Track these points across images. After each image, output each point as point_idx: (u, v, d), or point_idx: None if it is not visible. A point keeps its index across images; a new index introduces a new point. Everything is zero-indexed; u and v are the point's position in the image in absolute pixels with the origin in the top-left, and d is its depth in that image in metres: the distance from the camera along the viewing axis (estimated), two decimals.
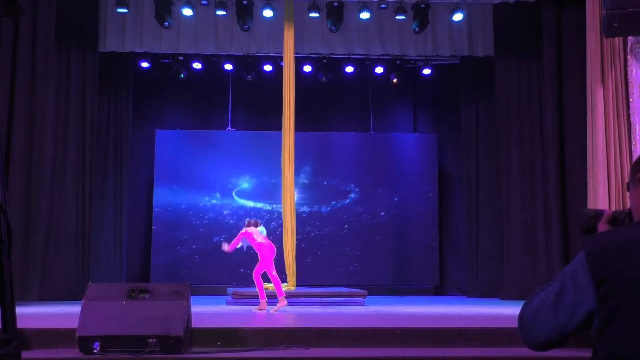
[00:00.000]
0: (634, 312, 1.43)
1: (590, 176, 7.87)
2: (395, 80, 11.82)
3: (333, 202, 11.99)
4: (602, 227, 1.69)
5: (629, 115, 7.66)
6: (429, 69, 11.89)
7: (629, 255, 1.46)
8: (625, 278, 1.44)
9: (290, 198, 9.76)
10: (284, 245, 9.64)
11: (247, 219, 8.32)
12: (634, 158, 6.95)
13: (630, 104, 7.63)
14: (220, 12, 10.29)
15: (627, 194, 1.71)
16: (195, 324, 5.21)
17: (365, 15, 10.37)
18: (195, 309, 5.51)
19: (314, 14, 10.35)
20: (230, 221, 11.72)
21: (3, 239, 1.65)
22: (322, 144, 12.21)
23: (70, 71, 10.09)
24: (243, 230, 8.01)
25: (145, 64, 11.50)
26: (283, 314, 7.38)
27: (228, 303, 8.77)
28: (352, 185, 12.03)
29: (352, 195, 12.03)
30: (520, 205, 10.20)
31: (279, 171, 11.84)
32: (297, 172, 11.90)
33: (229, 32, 10.74)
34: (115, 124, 11.14)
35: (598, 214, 1.72)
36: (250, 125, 12.20)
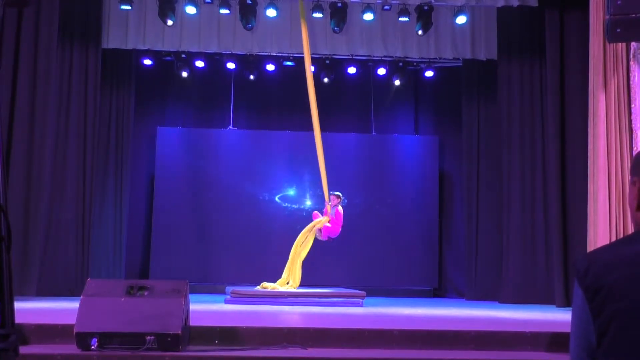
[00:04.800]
0: (625, 323, 1.42)
1: (590, 181, 7.86)
2: (397, 81, 11.83)
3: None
4: None
5: (630, 121, 7.65)
6: (432, 71, 11.89)
7: (622, 267, 1.45)
8: (619, 287, 1.43)
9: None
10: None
11: (337, 194, 9.69)
12: None
13: (632, 110, 7.62)
14: (224, 11, 10.29)
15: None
16: (193, 322, 5.21)
17: (368, 16, 10.37)
18: (194, 307, 5.51)
19: (317, 14, 10.36)
20: (231, 220, 11.72)
21: (3, 236, 1.65)
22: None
23: (72, 67, 10.09)
24: (337, 209, 9.52)
25: (147, 61, 11.51)
26: (281, 313, 7.39)
27: (226, 302, 8.77)
28: (352, 186, 12.02)
29: (352, 196, 12.02)
30: (520, 208, 10.21)
31: (280, 170, 11.89)
32: (297, 173, 11.94)
33: (232, 31, 10.74)
34: (117, 120, 11.15)
35: None
36: (251, 125, 12.21)
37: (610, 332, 1.43)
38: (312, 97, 9.70)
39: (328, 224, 9.62)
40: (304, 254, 9.51)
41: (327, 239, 9.70)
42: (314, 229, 9.60)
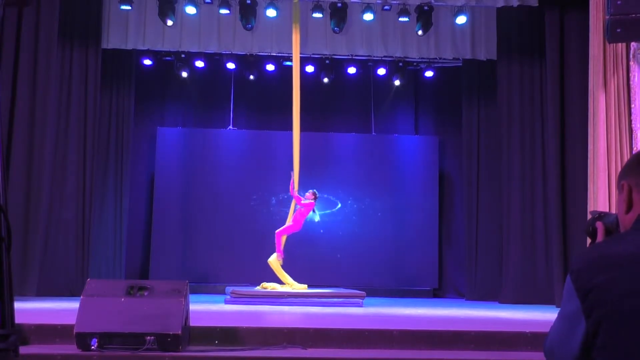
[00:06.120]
0: (616, 324, 1.43)
1: (590, 181, 7.87)
2: (397, 81, 11.84)
3: (333, 203, 11.99)
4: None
5: (630, 122, 7.66)
6: (432, 71, 11.89)
7: (610, 268, 1.47)
8: (608, 289, 1.45)
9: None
10: None
11: (314, 191, 9.58)
12: None
13: (632, 110, 7.63)
14: (224, 11, 10.28)
15: None
16: (193, 322, 5.20)
17: (368, 16, 10.36)
18: (194, 307, 5.50)
19: (317, 15, 10.36)
20: (231, 220, 11.71)
21: (3, 236, 1.65)
22: (323, 145, 12.21)
23: (72, 68, 10.10)
24: (309, 202, 9.43)
25: (147, 62, 11.51)
26: (281, 313, 7.39)
27: (226, 302, 8.77)
28: (352, 186, 12.03)
29: (352, 196, 12.03)
30: (520, 209, 10.21)
31: (279, 170, 11.87)
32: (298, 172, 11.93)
33: (232, 31, 10.75)
34: (117, 120, 11.15)
35: (602, 215, 1.75)
36: (251, 125, 12.21)
37: (601, 334, 1.45)
38: (296, 100, 9.74)
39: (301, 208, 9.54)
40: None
41: (282, 253, 9.57)
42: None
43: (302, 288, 9.36)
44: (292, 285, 9.36)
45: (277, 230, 9.66)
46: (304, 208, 9.54)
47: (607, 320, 1.44)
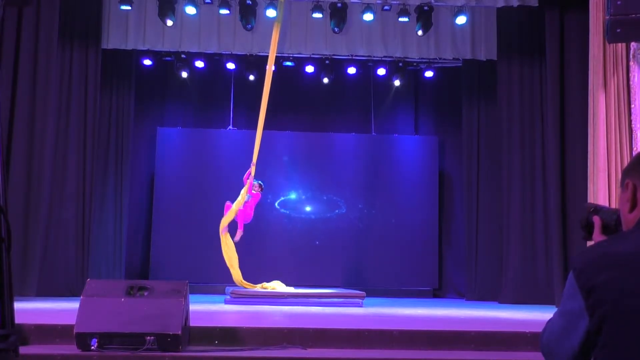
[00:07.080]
0: (617, 323, 1.44)
1: (590, 182, 7.86)
2: (397, 82, 11.84)
3: (333, 203, 11.98)
4: (597, 237, 1.72)
5: (630, 122, 7.65)
6: (432, 71, 11.89)
7: (612, 267, 1.47)
8: (609, 288, 1.46)
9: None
10: None
11: (260, 183, 9.54)
12: None
13: (632, 110, 7.63)
14: (224, 11, 10.28)
15: None
16: (193, 322, 5.20)
17: (368, 16, 10.36)
18: (194, 307, 5.51)
19: (317, 15, 10.36)
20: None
21: (3, 237, 1.65)
22: (323, 145, 12.21)
23: (72, 68, 10.10)
24: (256, 192, 9.49)
25: (147, 62, 11.51)
26: (281, 313, 7.39)
27: (226, 302, 8.77)
28: (352, 186, 12.02)
29: (352, 196, 12.02)
30: (520, 209, 10.21)
31: (279, 170, 11.89)
32: (297, 173, 11.95)
33: (232, 31, 10.75)
34: (117, 120, 11.16)
35: (598, 209, 1.74)
36: (251, 125, 12.17)
37: (603, 332, 1.45)
38: (265, 97, 9.81)
39: (244, 204, 9.47)
40: (233, 257, 9.43)
41: (242, 229, 9.50)
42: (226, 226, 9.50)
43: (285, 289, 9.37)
44: (267, 288, 9.30)
45: (222, 224, 9.46)
46: (251, 198, 9.50)
47: (609, 319, 1.44)
